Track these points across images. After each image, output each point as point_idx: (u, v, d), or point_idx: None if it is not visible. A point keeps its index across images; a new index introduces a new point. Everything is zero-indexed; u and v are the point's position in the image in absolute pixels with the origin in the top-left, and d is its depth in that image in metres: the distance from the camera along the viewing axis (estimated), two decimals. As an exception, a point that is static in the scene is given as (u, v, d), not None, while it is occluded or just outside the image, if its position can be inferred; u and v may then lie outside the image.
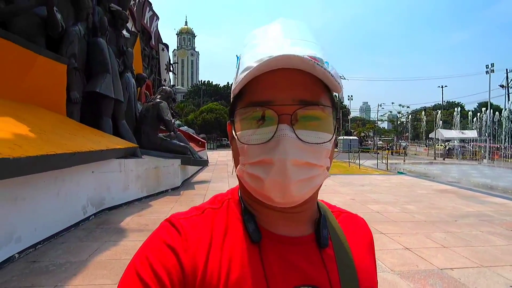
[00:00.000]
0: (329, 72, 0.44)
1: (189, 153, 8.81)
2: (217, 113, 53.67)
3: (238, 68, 0.48)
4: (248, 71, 0.43)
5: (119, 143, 6.04)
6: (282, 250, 0.49)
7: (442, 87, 53.28)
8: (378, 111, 53.07)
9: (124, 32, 8.09)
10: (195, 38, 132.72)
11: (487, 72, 31.32)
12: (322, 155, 0.46)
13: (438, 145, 33.38)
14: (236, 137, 0.48)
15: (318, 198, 0.57)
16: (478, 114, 31.19)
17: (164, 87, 8.97)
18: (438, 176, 14.44)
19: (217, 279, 0.45)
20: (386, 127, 72.48)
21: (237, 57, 0.51)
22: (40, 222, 3.96)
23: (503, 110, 29.12)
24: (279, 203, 0.45)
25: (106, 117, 6.38)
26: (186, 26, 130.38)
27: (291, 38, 0.47)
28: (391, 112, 55.33)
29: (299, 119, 0.45)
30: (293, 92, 0.45)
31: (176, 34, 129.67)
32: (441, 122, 39.49)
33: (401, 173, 13.32)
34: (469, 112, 35.46)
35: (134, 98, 8.13)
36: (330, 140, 0.46)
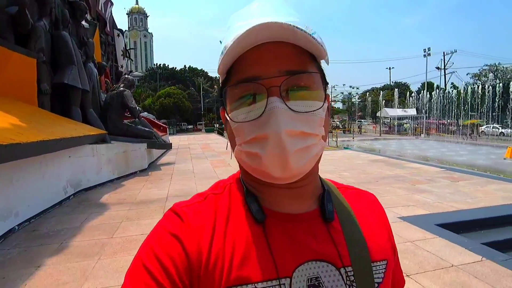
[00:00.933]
0: (310, 35, 0.43)
1: (154, 137, 9.48)
2: (175, 98, 52.85)
3: (221, 53, 0.46)
4: (227, 48, 0.43)
5: (91, 130, 6.61)
6: (286, 228, 0.49)
7: (389, 68, 57.52)
8: (331, 92, 56.19)
9: (83, 22, 8.36)
10: (148, 18, 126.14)
11: (424, 55, 34.76)
12: (315, 123, 0.46)
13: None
14: (228, 118, 0.48)
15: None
16: (413, 94, 34.68)
17: (126, 75, 9.43)
18: (381, 149, 16.52)
19: (221, 261, 0.45)
20: (340, 107, 76.45)
21: (220, 42, 0.49)
22: (32, 200, 4.59)
23: (435, 89, 32.75)
24: (278, 178, 0.45)
25: (75, 107, 6.86)
26: (137, 5, 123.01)
27: (271, 14, 0.45)
28: (342, 93, 58.92)
29: (288, 90, 0.45)
30: (279, 64, 0.44)
31: (127, 14, 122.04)
32: (383, 101, 43.18)
33: (347, 148, 15.09)
34: (407, 92, 39.12)
35: (98, 86, 8.54)
36: (321, 107, 0.47)
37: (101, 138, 7.18)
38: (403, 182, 6.81)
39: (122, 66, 16.20)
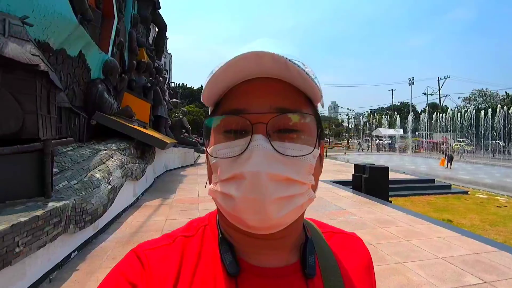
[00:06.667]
0: (304, 71, 0.39)
1: (198, 145, 15.38)
2: (194, 115, 59.46)
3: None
4: (212, 74, 0.41)
5: (171, 140, 12.50)
6: (262, 285, 0.44)
7: (392, 90, 62.99)
8: (338, 112, 61.88)
9: (160, 78, 14.46)
10: (167, 40, 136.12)
11: (409, 84, 40.30)
12: (303, 169, 0.41)
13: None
14: (208, 152, 0.44)
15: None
16: (395, 117, 39.78)
17: (182, 108, 15.41)
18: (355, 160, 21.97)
19: None
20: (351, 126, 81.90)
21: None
22: (158, 168, 10.37)
23: (420, 112, 37.80)
24: (254, 227, 0.40)
25: (162, 128, 12.80)
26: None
27: (268, 49, 0.42)
28: (347, 114, 64.92)
29: (276, 129, 0.41)
30: (270, 99, 0.41)
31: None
32: (387, 121, 48.62)
33: (326, 158, 20.63)
34: (389, 115, 44.27)
35: (167, 116, 14.55)
36: (311, 152, 0.42)
37: (174, 144, 13.06)
38: (339, 172, 12.34)
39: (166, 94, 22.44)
